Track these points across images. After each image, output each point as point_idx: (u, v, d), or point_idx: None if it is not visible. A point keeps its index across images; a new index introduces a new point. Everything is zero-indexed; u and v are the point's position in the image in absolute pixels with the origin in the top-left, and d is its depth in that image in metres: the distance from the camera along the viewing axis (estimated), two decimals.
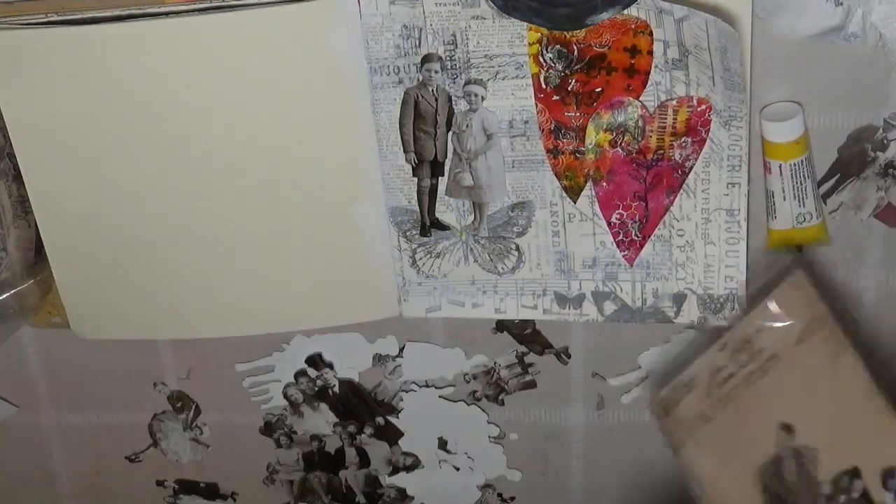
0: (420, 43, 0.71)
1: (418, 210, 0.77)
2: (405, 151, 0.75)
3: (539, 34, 0.70)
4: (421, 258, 0.79)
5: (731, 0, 0.68)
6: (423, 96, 0.73)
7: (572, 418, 0.86)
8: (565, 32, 0.69)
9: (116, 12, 0.71)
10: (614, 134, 0.72)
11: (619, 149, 0.73)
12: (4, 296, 0.79)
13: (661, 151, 0.73)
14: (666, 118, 0.71)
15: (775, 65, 0.71)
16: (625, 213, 0.75)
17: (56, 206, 0.77)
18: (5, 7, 0.71)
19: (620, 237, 0.76)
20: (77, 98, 0.73)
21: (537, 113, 0.72)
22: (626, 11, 0.67)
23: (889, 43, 0.67)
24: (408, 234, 0.78)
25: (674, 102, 0.71)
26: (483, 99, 0.72)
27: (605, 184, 0.74)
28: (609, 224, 0.75)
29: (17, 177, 0.77)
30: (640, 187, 0.74)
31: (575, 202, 0.75)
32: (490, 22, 0.70)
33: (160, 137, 0.75)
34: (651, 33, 0.69)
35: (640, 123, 0.72)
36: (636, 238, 0.76)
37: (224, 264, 0.79)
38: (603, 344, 0.83)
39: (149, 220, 0.77)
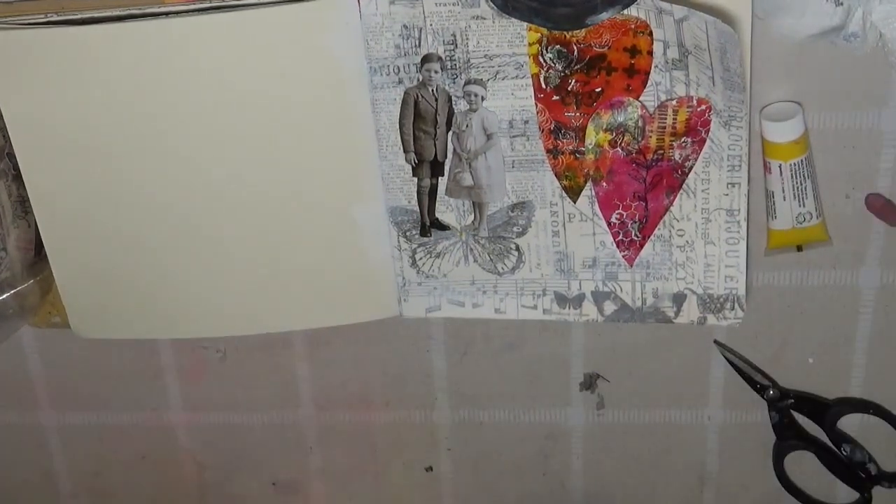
0: (420, 43, 0.71)
1: (418, 210, 0.77)
2: (405, 151, 0.75)
3: (539, 34, 0.70)
4: (421, 258, 0.79)
5: (730, 0, 0.68)
6: (423, 96, 0.73)
7: (572, 418, 0.86)
8: (565, 32, 0.69)
9: (116, 12, 0.71)
10: (614, 134, 0.72)
11: (618, 149, 0.73)
12: (4, 296, 0.79)
13: (661, 151, 0.73)
14: (666, 118, 0.71)
15: (775, 65, 0.71)
16: (624, 213, 0.75)
17: (56, 206, 0.77)
18: (5, 7, 0.71)
19: (620, 237, 0.76)
20: (77, 98, 0.73)
21: (537, 113, 0.72)
22: (625, 11, 0.67)
23: (889, 43, 0.67)
24: (408, 234, 0.78)
25: (674, 102, 0.71)
26: (483, 99, 0.72)
27: (604, 184, 0.74)
28: (609, 224, 0.75)
29: (17, 177, 0.77)
30: (640, 187, 0.74)
31: (575, 202, 0.75)
32: (490, 22, 0.70)
33: (160, 137, 0.75)
34: (651, 33, 0.68)
35: (640, 123, 0.72)
36: (636, 238, 0.76)
37: (224, 264, 0.79)
38: (603, 344, 0.83)
39: (148, 220, 0.77)
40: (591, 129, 0.72)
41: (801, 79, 0.72)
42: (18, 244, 0.79)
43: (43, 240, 0.78)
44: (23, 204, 0.78)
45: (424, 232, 0.77)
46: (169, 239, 0.78)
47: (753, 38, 0.69)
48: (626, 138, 0.72)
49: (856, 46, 0.68)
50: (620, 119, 0.72)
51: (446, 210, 0.77)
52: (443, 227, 0.77)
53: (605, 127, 0.72)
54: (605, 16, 0.67)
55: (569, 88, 0.71)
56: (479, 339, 0.84)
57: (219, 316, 0.81)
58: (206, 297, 0.80)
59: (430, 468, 0.90)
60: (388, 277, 0.79)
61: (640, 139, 0.72)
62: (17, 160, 0.76)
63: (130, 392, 0.88)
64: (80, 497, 0.94)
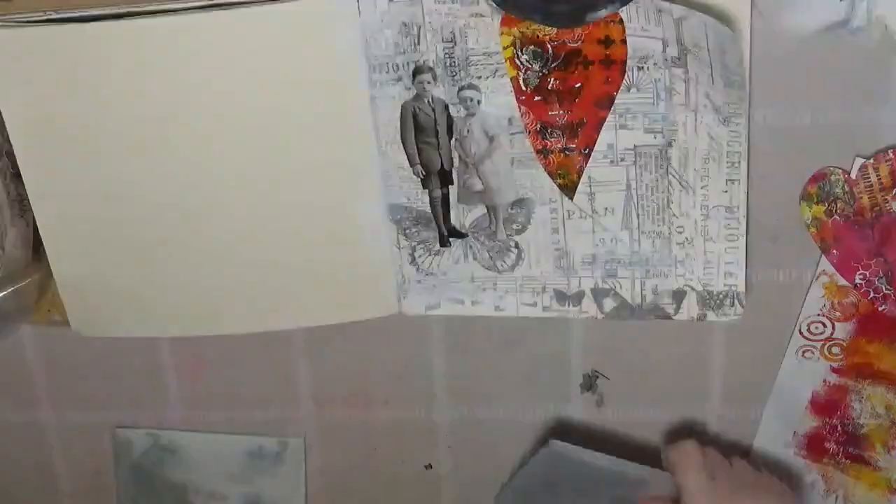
0: (419, 41, 0.71)
1: (434, 220, 0.77)
2: (411, 164, 0.75)
3: (511, 37, 0.70)
4: (420, 256, 0.79)
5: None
6: (420, 108, 0.73)
7: (572, 415, 0.86)
8: (537, 32, 0.69)
9: (115, 10, 0.71)
10: (827, 204, 0.73)
11: (836, 216, 0.73)
12: (2, 294, 0.79)
13: (878, 207, 0.72)
14: (869, 177, 0.71)
15: (775, 62, 0.71)
16: (867, 272, 0.75)
17: (55, 204, 0.77)
18: (4, 5, 0.71)
19: (872, 295, 0.75)
20: (76, 96, 0.73)
21: (521, 115, 0.72)
22: (623, 10, 0.67)
23: (894, 35, 0.67)
24: (407, 231, 0.78)
25: (871, 161, 0.71)
26: (479, 103, 0.72)
27: (835, 251, 0.75)
28: (855, 286, 0.75)
29: (16, 176, 0.77)
30: (871, 245, 0.74)
31: (571, 199, 0.75)
32: (489, 20, 0.70)
33: (159, 135, 0.75)
34: (621, 21, 0.68)
35: (846, 188, 0.72)
36: (888, 291, 0.75)
37: (224, 262, 0.79)
38: (602, 341, 0.83)
39: (148, 218, 0.77)
40: (804, 205, 0.74)
41: (801, 76, 0.72)
42: (16, 243, 0.79)
43: (42, 238, 0.78)
44: (21, 203, 0.78)
45: (444, 242, 0.77)
46: (168, 237, 0.78)
47: (753, 36, 0.69)
48: (839, 205, 0.72)
49: (861, 40, 0.68)
50: (827, 189, 0.72)
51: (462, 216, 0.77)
52: (461, 235, 0.77)
53: (816, 200, 0.73)
54: (604, 12, 0.67)
55: (549, 87, 0.71)
56: (478, 336, 0.83)
57: (218, 314, 0.81)
58: (206, 296, 0.80)
59: (430, 465, 0.90)
60: (387, 275, 0.79)
61: (852, 203, 0.72)
62: (17, 158, 0.76)
63: (130, 390, 0.88)
64: (79, 496, 0.94)
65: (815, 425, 0.82)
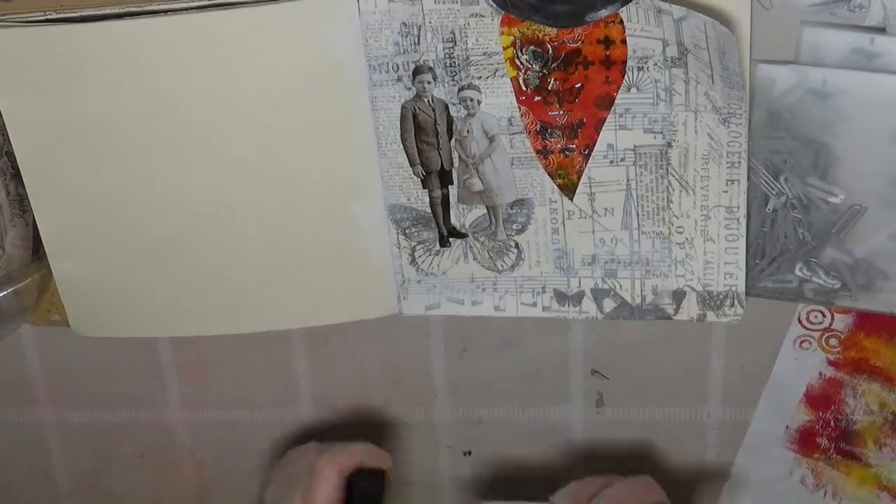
0: (419, 40, 0.71)
1: (434, 221, 0.77)
2: (411, 165, 0.75)
3: (512, 37, 0.70)
4: (420, 256, 0.79)
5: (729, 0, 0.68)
6: (420, 108, 0.73)
7: (571, 415, 0.86)
8: (537, 32, 0.69)
9: (115, 10, 0.71)
10: None
11: None
12: (2, 294, 0.79)
13: None
14: None
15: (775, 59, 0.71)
16: None
17: (55, 204, 0.77)
18: (4, 5, 0.71)
19: None
20: (76, 96, 0.73)
21: (521, 116, 0.72)
22: (623, 10, 0.67)
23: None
24: (407, 231, 0.78)
25: None
26: (479, 103, 0.72)
27: None
28: None
29: (15, 175, 0.77)
30: None
31: (571, 199, 0.75)
32: (489, 20, 0.70)
33: (159, 135, 0.74)
34: (621, 21, 0.68)
35: None
36: None
37: (223, 262, 0.79)
38: (602, 341, 0.83)
39: (148, 218, 0.77)
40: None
41: None
42: (16, 242, 0.79)
43: (42, 238, 0.78)
44: (21, 202, 0.78)
45: (444, 242, 0.77)
46: (168, 237, 0.78)
47: (753, 34, 0.69)
48: None
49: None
50: None
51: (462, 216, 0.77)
52: (461, 235, 0.77)
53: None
54: (603, 13, 0.67)
55: (549, 88, 0.71)
56: (478, 336, 0.84)
57: (218, 314, 0.81)
58: (206, 296, 0.80)
59: (430, 465, 0.90)
60: (387, 275, 0.79)
61: None
62: (16, 158, 0.76)
63: (129, 390, 0.88)
64: (78, 495, 0.94)
65: (808, 419, 0.82)
